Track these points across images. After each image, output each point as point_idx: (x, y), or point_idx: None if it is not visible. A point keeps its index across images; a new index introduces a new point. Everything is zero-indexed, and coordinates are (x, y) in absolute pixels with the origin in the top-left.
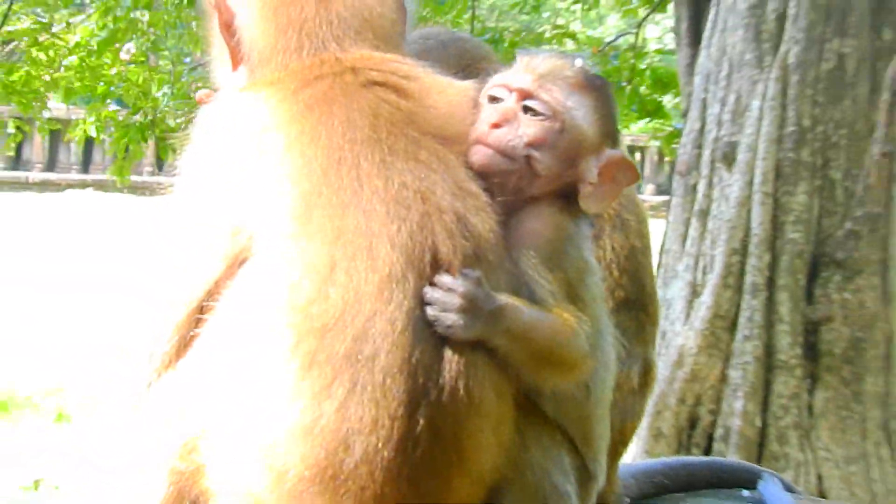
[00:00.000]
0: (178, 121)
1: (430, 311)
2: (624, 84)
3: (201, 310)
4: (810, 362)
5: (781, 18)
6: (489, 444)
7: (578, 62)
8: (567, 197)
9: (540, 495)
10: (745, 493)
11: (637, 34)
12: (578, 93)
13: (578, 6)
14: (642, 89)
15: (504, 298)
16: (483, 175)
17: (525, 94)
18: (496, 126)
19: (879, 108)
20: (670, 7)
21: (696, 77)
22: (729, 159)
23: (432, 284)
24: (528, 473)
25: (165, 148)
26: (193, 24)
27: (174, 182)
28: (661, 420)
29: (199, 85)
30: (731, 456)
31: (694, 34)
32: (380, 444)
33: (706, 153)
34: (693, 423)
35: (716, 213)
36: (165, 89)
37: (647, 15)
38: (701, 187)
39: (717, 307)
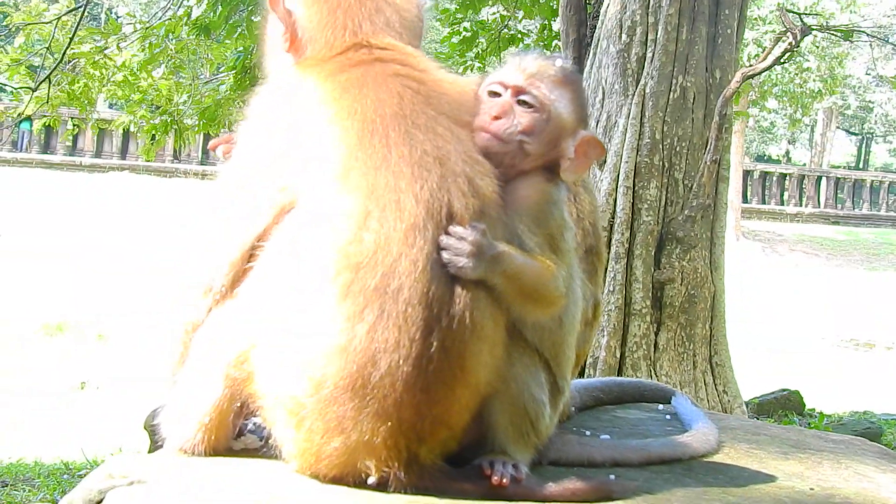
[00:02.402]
0: (193, 121)
1: (444, 254)
2: None
3: (252, 249)
4: (657, 311)
5: (641, 60)
6: (486, 362)
7: (559, 62)
8: (550, 169)
9: (521, 402)
10: (661, 406)
11: None
12: (560, 87)
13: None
14: None
15: (502, 246)
16: (485, 155)
17: (518, 91)
18: (496, 118)
19: (711, 128)
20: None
21: None
22: (601, 161)
23: (447, 233)
24: (512, 385)
25: (181, 139)
26: (209, 54)
27: (221, 161)
28: None
29: (210, 94)
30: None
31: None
32: (401, 361)
33: None
34: None
35: None
36: (185, 97)
37: None
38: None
39: None
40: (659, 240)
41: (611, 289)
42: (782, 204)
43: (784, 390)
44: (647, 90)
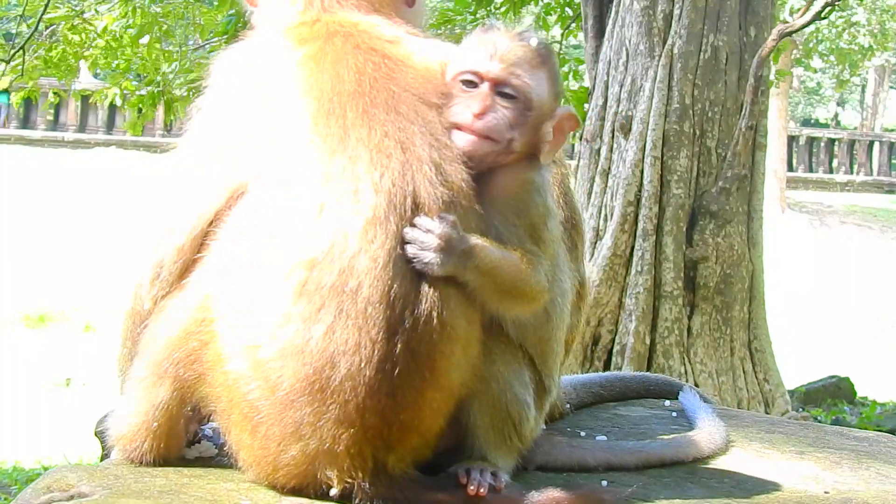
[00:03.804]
0: (182, 91)
1: (409, 249)
2: None
3: (204, 235)
4: (689, 293)
5: (668, 17)
6: (459, 363)
7: (534, 42)
8: (529, 154)
9: (502, 404)
10: (668, 402)
11: (560, 43)
12: (538, 71)
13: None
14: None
15: (475, 239)
16: (467, 157)
17: (498, 83)
18: (480, 115)
19: (746, 91)
20: None
21: (600, 64)
22: (626, 129)
23: (413, 225)
24: (492, 384)
25: (171, 112)
26: (199, 18)
27: (187, 125)
28: None
29: (201, 63)
30: (625, 367)
31: (598, 29)
32: (362, 364)
33: (608, 124)
34: (596, 340)
35: (615, 172)
36: (174, 66)
37: (568, 26)
38: (603, 151)
39: (615, 248)
40: (691, 214)
41: (639, 269)
42: (831, 172)
43: (833, 377)
44: (675, 51)
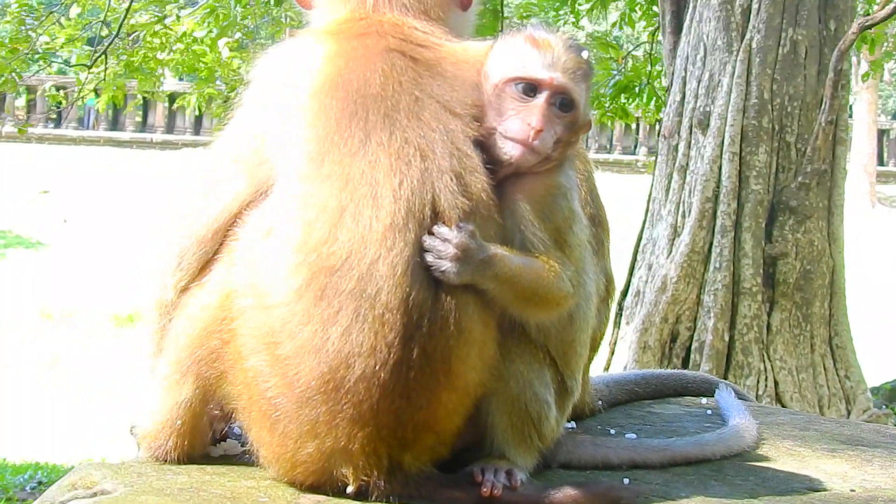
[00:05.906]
0: None
1: (427, 257)
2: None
3: (227, 230)
4: (769, 289)
5: (746, 12)
6: (474, 365)
7: (585, 54)
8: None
9: (521, 402)
10: (704, 400)
11: (651, 43)
12: (584, 82)
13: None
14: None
15: (494, 248)
16: (506, 163)
17: (560, 91)
18: (540, 131)
19: (825, 85)
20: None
21: (677, 59)
22: (703, 125)
23: (431, 234)
24: (511, 383)
25: None
26: (283, 15)
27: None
28: (647, 335)
29: None
30: (703, 365)
31: (676, 25)
32: (377, 367)
33: (685, 120)
34: (674, 337)
35: (693, 168)
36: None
37: (658, 27)
38: (681, 148)
39: (693, 244)
40: (770, 210)
41: (717, 265)
42: None
43: None
44: (754, 45)
